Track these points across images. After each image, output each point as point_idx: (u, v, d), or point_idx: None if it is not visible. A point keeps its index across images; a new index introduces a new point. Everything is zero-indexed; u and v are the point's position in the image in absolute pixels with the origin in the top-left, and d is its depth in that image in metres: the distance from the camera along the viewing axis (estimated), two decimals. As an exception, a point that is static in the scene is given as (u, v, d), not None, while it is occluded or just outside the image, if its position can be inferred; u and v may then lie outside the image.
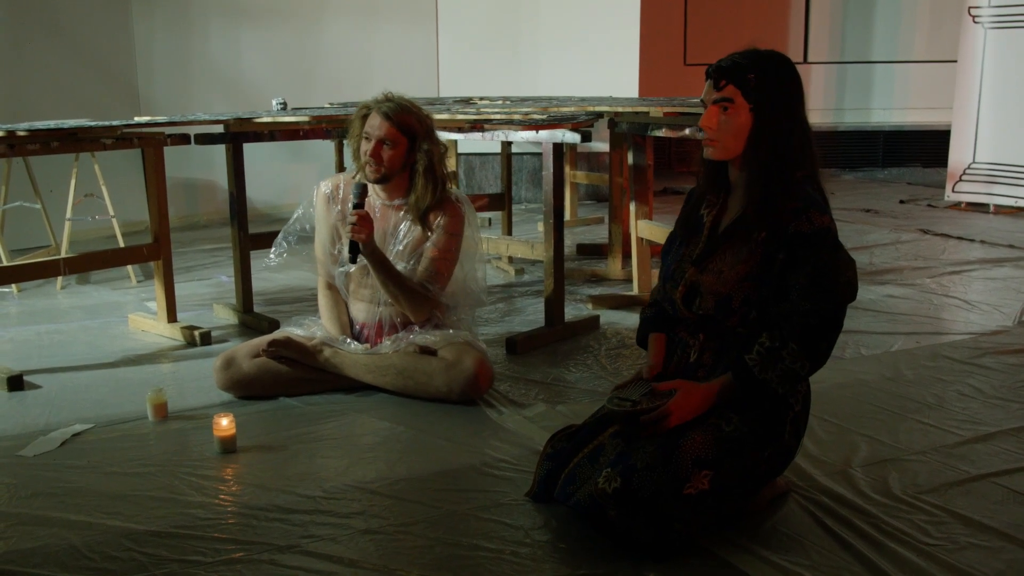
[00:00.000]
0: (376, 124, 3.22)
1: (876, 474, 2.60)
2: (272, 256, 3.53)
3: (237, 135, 4.23)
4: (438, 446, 2.89)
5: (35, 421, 3.18)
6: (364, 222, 3.13)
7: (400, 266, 3.28)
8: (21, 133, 3.69)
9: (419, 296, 3.26)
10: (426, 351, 3.25)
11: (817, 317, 2.20)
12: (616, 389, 2.41)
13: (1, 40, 6.41)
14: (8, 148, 3.69)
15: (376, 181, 3.27)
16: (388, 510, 2.47)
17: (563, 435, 2.48)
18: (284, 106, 5.00)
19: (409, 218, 3.31)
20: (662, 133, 4.05)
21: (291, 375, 3.29)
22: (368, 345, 3.33)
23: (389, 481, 2.63)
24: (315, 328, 3.41)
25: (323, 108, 5.51)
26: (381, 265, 3.22)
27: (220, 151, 4.44)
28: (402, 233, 3.33)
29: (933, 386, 3.32)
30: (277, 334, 3.38)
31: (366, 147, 3.23)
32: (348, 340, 3.35)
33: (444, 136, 4.36)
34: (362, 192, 3.19)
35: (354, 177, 3.34)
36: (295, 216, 3.52)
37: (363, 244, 3.14)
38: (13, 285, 5.00)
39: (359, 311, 3.42)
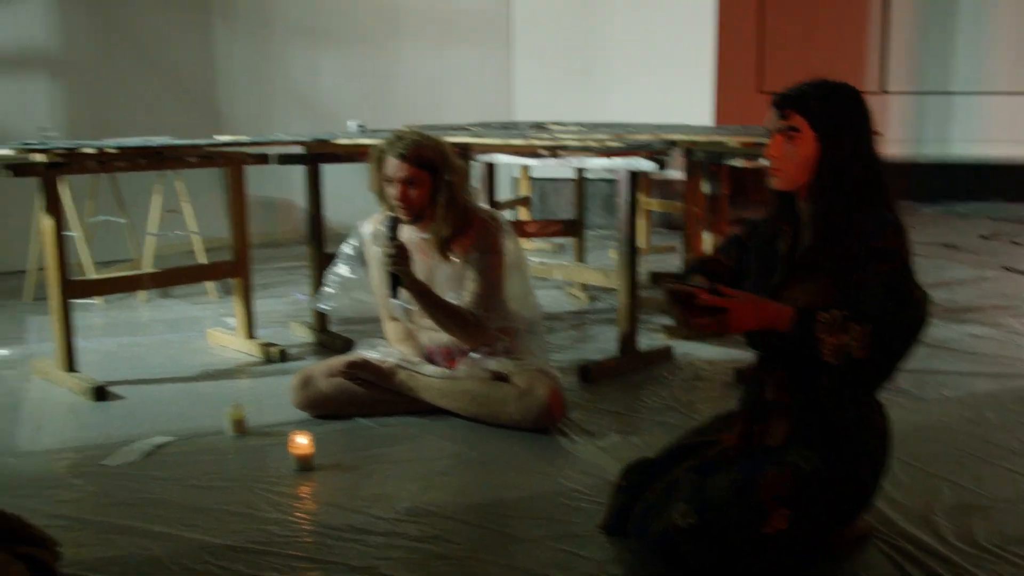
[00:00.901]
0: (395, 166, 3.21)
1: (960, 521, 2.53)
2: (324, 305, 3.55)
3: (316, 156, 4.31)
4: (511, 473, 2.89)
5: (118, 431, 3.26)
6: (400, 254, 3.15)
7: (449, 296, 3.28)
8: (110, 150, 3.80)
9: (468, 322, 3.26)
10: (500, 377, 3.26)
11: (893, 317, 2.13)
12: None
13: (91, 59, 6.62)
14: (98, 164, 3.81)
15: (410, 223, 3.28)
16: (461, 535, 2.47)
17: (637, 467, 2.47)
18: (362, 128, 5.08)
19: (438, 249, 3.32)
20: (738, 163, 4.03)
21: (367, 396, 3.33)
22: (443, 369, 3.35)
23: (462, 506, 2.64)
24: (390, 350, 3.44)
25: (411, 132, 5.57)
26: (424, 295, 3.23)
27: (297, 171, 4.53)
28: (445, 264, 3.34)
29: (1019, 430, 3.23)
30: (354, 355, 3.42)
31: (392, 191, 3.24)
32: (423, 363, 3.37)
33: (516, 161, 4.40)
34: (393, 225, 3.20)
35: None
36: (338, 259, 3.54)
37: (402, 277, 3.16)
38: (98, 297, 5.13)
39: (426, 338, 3.43)
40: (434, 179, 3.22)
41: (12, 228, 5.94)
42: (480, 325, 3.27)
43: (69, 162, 3.68)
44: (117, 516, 2.58)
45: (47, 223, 3.64)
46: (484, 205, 3.51)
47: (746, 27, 9.69)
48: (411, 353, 3.40)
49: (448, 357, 3.36)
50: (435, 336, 3.37)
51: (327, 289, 3.52)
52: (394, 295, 3.19)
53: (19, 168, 3.59)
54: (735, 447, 2.37)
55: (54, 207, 3.63)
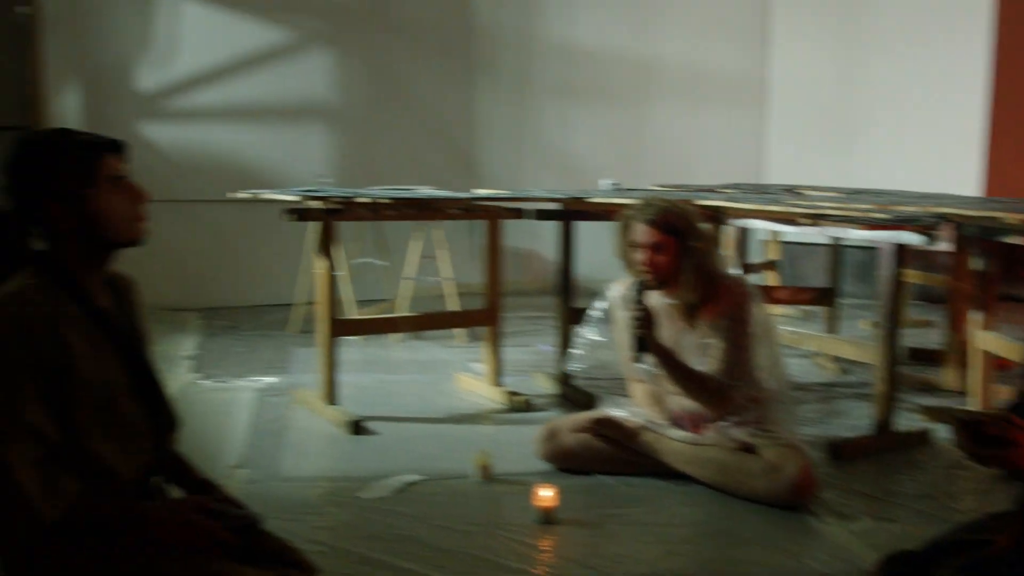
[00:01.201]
0: (642, 232, 3.21)
1: None
2: (572, 367, 3.59)
3: (571, 212, 4.40)
4: (755, 548, 2.80)
5: (371, 466, 3.43)
6: (646, 318, 3.14)
7: (696, 364, 3.23)
8: (383, 200, 4.04)
9: (714, 390, 3.20)
10: (747, 448, 3.18)
11: None
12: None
13: (362, 111, 7.10)
14: (370, 212, 4.05)
15: (656, 288, 3.26)
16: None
17: (899, 559, 2.33)
18: (616, 187, 5.15)
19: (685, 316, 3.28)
20: (1013, 240, 3.77)
21: (610, 454, 3.34)
22: (689, 434, 3.30)
23: (705, 577, 2.59)
24: (637, 409, 3.43)
25: (649, 190, 5.61)
26: (669, 361, 3.20)
27: (545, 224, 4.63)
28: (691, 332, 3.29)
29: None
30: (600, 412, 3.44)
31: (639, 257, 3.23)
32: (669, 427, 3.34)
33: (769, 226, 4.31)
34: (641, 288, 3.19)
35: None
36: (586, 321, 3.56)
37: (648, 340, 3.14)
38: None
39: (673, 403, 3.39)
40: (681, 245, 3.21)
41: (284, 265, 6.41)
42: (727, 393, 3.21)
43: (345, 209, 3.94)
44: (368, 548, 2.70)
45: (321, 265, 3.91)
46: (732, 271, 3.45)
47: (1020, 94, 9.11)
48: (657, 416, 3.38)
49: (694, 423, 3.31)
50: (682, 401, 3.33)
51: (575, 351, 3.56)
52: (639, 359, 3.20)
53: (301, 213, 3.88)
54: (1010, 551, 2.20)
55: (329, 250, 3.90)
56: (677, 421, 3.36)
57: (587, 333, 3.52)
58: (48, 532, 1.92)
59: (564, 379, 4.43)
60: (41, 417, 1.91)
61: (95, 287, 2.08)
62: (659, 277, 3.22)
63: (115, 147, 2.02)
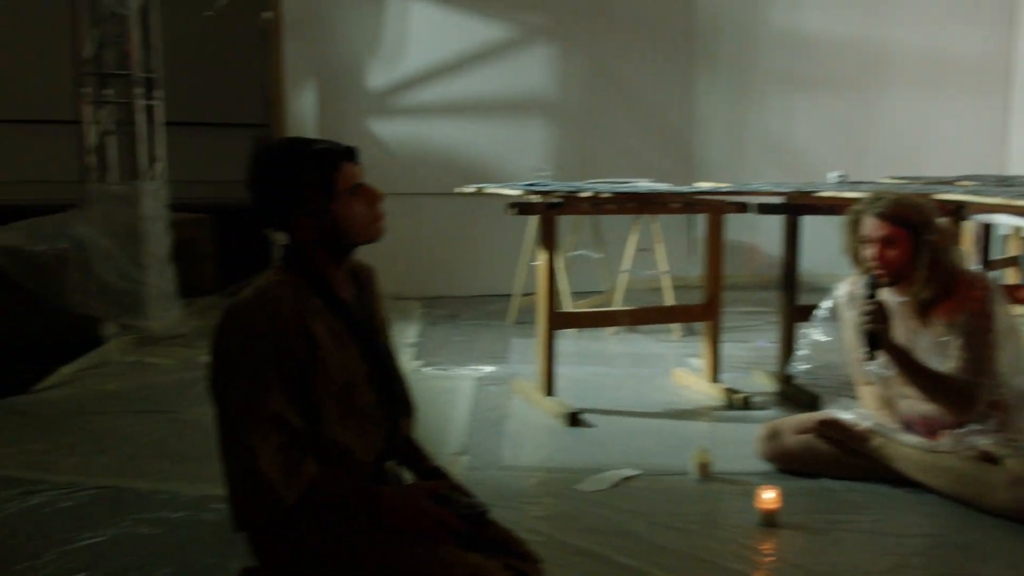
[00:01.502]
0: (872, 226, 3.05)
1: None
2: (796, 369, 3.45)
3: (796, 207, 4.26)
4: (995, 565, 2.64)
5: (588, 458, 3.45)
6: (878, 313, 2.98)
7: (932, 364, 3.05)
8: (604, 195, 4.05)
9: (956, 392, 3.01)
10: (988, 457, 2.98)
11: None
12: None
13: (581, 105, 7.14)
14: (590, 206, 4.07)
15: (889, 285, 3.09)
16: (938, 625, 2.30)
17: None
18: (843, 179, 4.94)
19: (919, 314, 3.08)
20: None
21: (835, 457, 3.22)
22: (923, 440, 3.13)
23: (939, 593, 2.45)
24: (865, 412, 3.28)
25: (880, 183, 5.35)
26: (903, 359, 3.03)
27: (765, 217, 4.50)
28: (925, 330, 3.10)
29: None
30: (825, 414, 3.32)
31: (869, 252, 3.07)
32: (900, 431, 3.18)
33: (1015, 221, 4.01)
34: (874, 283, 3.03)
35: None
36: (812, 322, 3.43)
37: (880, 337, 2.98)
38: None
39: (905, 406, 3.22)
40: (915, 239, 3.04)
41: (503, 256, 6.55)
42: (970, 395, 3.01)
43: (565, 203, 3.98)
44: (587, 541, 2.72)
45: (542, 257, 3.97)
46: (972, 267, 3.23)
47: None
48: (888, 420, 3.23)
49: (929, 429, 3.14)
50: (915, 404, 3.17)
51: (800, 351, 3.44)
52: (871, 358, 3.05)
53: (522, 207, 3.95)
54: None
55: (550, 243, 3.95)
56: (909, 426, 3.19)
57: (813, 333, 3.39)
58: (288, 513, 2.05)
59: (786, 378, 4.30)
60: (284, 406, 2.04)
61: (337, 280, 2.21)
62: (891, 273, 3.07)
63: (349, 155, 2.13)
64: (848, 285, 3.32)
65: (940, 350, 3.06)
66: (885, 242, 3.05)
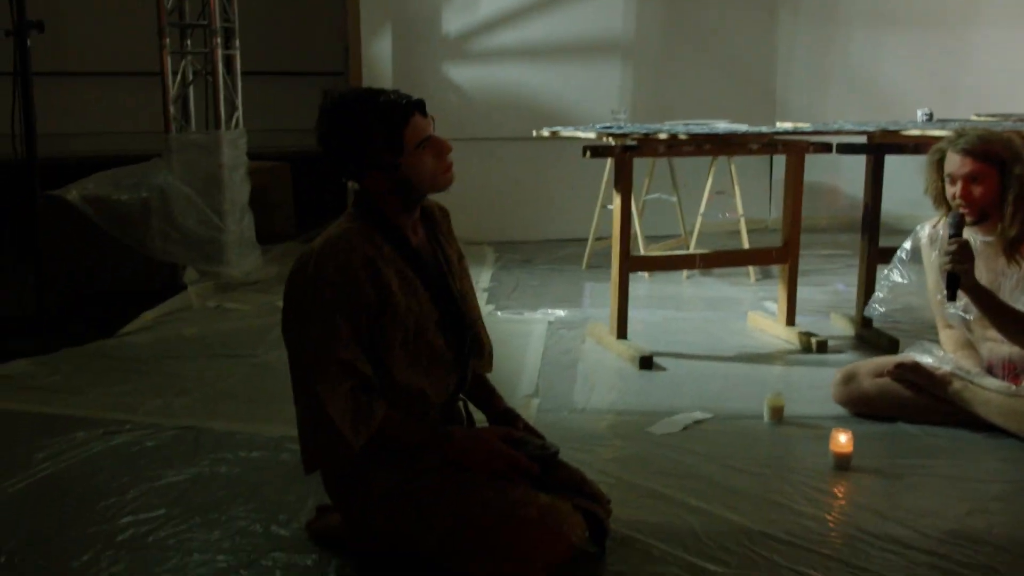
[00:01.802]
0: (957, 162, 2.94)
1: None
2: (874, 311, 3.36)
3: (880, 146, 4.13)
4: (1080, 512, 2.56)
5: (660, 402, 3.44)
6: (962, 252, 2.87)
7: (1019, 305, 2.94)
8: (681, 136, 3.98)
9: None
10: (1074, 402, 2.88)
11: None
12: None
13: (657, 46, 7.01)
14: (667, 148, 4.01)
15: (974, 223, 2.97)
16: (1012, 568, 2.24)
17: None
18: (930, 117, 4.77)
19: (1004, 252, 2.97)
20: None
21: (913, 401, 3.14)
22: (1006, 384, 3.04)
23: (1018, 539, 2.39)
24: (945, 355, 3.20)
25: (969, 120, 5.16)
26: (986, 300, 2.92)
27: (846, 158, 4.37)
28: (1013, 269, 2.99)
29: None
30: (905, 357, 3.24)
31: (953, 191, 2.96)
32: (982, 375, 3.09)
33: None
34: (958, 222, 2.92)
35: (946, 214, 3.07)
36: (893, 264, 3.33)
37: (963, 278, 2.88)
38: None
39: (986, 350, 3.13)
40: (1001, 175, 2.93)
41: (577, 200, 6.51)
42: None
43: (641, 146, 3.92)
44: (658, 483, 2.71)
45: (617, 201, 3.93)
46: None
47: None
48: (969, 363, 3.14)
49: (1012, 373, 3.04)
50: (997, 348, 3.08)
51: (878, 294, 3.35)
52: (952, 297, 2.95)
53: (596, 149, 3.91)
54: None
55: (625, 186, 3.91)
56: (991, 370, 3.10)
57: (892, 274, 3.30)
58: (357, 457, 2.08)
59: (864, 321, 4.21)
60: (354, 353, 2.06)
61: (408, 227, 2.22)
62: (976, 211, 2.96)
63: (418, 107, 2.12)
64: (931, 226, 3.22)
65: None
66: (970, 179, 2.95)
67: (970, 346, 3.18)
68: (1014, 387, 3.00)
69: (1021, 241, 2.97)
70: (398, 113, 2.08)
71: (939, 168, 3.05)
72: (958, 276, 2.89)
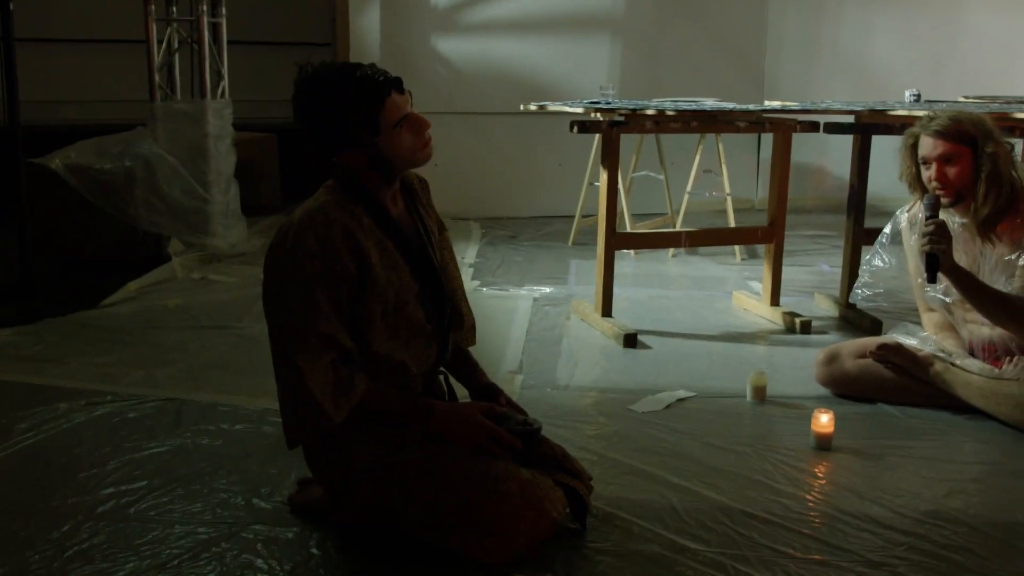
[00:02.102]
0: (930, 145, 2.95)
1: None
2: (856, 297, 3.38)
3: (867, 126, 4.13)
4: (1057, 494, 2.58)
5: (643, 379, 3.45)
6: (939, 232, 2.88)
7: (999, 286, 2.95)
8: (669, 112, 3.97)
9: (1020, 311, 2.91)
10: (1053, 386, 2.90)
11: None
12: None
13: (647, 21, 6.97)
14: (654, 124, 4.00)
15: (950, 205, 2.99)
16: (989, 550, 2.26)
17: None
18: (918, 98, 4.77)
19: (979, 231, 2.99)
20: None
21: (894, 382, 3.16)
22: (987, 366, 3.06)
23: (992, 520, 2.41)
24: (928, 336, 3.22)
25: (957, 102, 5.16)
26: (965, 280, 2.93)
27: (834, 138, 4.37)
28: (989, 250, 3.00)
29: None
30: (887, 338, 3.26)
31: (928, 174, 2.97)
32: (964, 356, 3.11)
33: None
34: (934, 203, 2.94)
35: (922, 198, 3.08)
36: (874, 249, 3.35)
37: (942, 258, 2.89)
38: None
39: (969, 332, 3.14)
40: (974, 154, 2.94)
41: (565, 177, 6.50)
42: None
43: (628, 121, 3.91)
44: (640, 460, 2.72)
45: (604, 177, 3.92)
46: None
47: None
48: (951, 345, 3.16)
49: (992, 355, 3.06)
50: (978, 330, 3.09)
51: (861, 279, 3.37)
52: (932, 279, 2.96)
53: (583, 124, 3.90)
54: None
55: (612, 163, 3.90)
56: (972, 352, 3.12)
57: (874, 260, 3.31)
58: (338, 430, 2.08)
59: (847, 302, 4.23)
60: (334, 325, 2.05)
61: (388, 198, 2.21)
62: (952, 191, 2.97)
63: (395, 85, 2.10)
64: (909, 209, 3.23)
65: (1006, 269, 2.97)
66: (944, 160, 2.96)
67: (951, 328, 3.20)
68: (996, 369, 3.02)
69: (996, 221, 2.98)
70: (374, 92, 2.06)
71: (913, 153, 3.06)
72: (937, 257, 2.90)
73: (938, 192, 2.98)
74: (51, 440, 2.84)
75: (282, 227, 2.11)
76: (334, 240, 2.06)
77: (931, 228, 2.91)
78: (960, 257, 3.00)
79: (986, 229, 2.99)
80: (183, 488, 2.52)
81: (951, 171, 2.95)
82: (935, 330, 3.22)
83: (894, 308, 3.94)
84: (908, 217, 3.22)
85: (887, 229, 3.30)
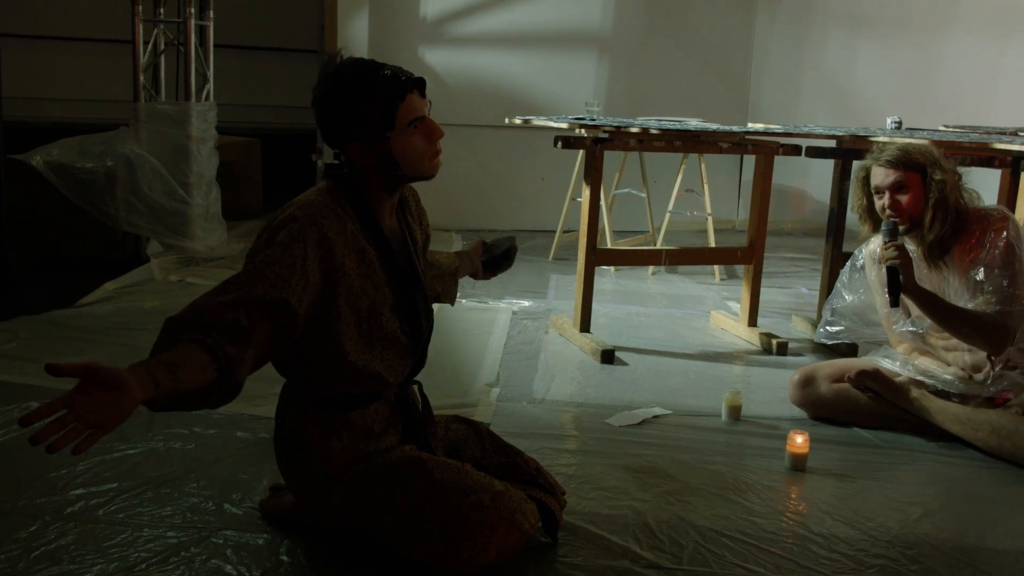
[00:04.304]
0: (882, 175, 3.04)
1: None
2: (822, 331, 3.42)
3: (848, 152, 4.17)
4: (1027, 522, 2.60)
5: (620, 396, 3.45)
6: (900, 251, 2.95)
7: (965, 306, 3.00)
8: (653, 131, 3.99)
9: (989, 326, 2.94)
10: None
11: None
12: None
13: (634, 39, 7.01)
14: (638, 143, 4.01)
15: (905, 232, 3.05)
16: (956, 573, 2.27)
17: None
18: (899, 125, 4.81)
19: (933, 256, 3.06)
20: None
21: (869, 407, 3.18)
22: (964, 375, 3.08)
23: (963, 547, 2.42)
24: (907, 360, 3.24)
25: (937, 131, 5.22)
26: (928, 300, 2.98)
27: (815, 162, 4.41)
28: (949, 275, 3.05)
29: None
30: (864, 362, 3.28)
31: (882, 203, 3.05)
32: (943, 372, 3.13)
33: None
34: (892, 228, 3.01)
35: (878, 235, 3.16)
36: (835, 289, 3.41)
37: (903, 278, 2.94)
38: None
39: (952, 359, 3.17)
40: (924, 182, 3.02)
41: (547, 191, 6.52)
42: (1004, 327, 2.93)
43: (613, 138, 3.92)
44: (613, 476, 2.72)
45: (586, 193, 3.93)
46: (987, 205, 3.16)
47: None
48: (926, 362, 3.19)
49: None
50: (960, 358, 3.12)
51: (824, 318, 3.42)
52: (895, 302, 3.01)
53: (568, 140, 3.91)
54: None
55: (595, 179, 3.91)
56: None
57: (835, 299, 3.38)
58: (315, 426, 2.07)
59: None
60: (299, 300, 1.93)
61: (384, 209, 2.19)
62: (905, 218, 3.04)
63: (418, 86, 2.10)
64: (872, 244, 3.28)
65: (968, 290, 3.01)
66: (896, 188, 3.04)
67: (923, 354, 3.22)
68: (966, 380, 3.06)
69: (946, 247, 3.04)
70: (398, 86, 2.06)
71: (865, 185, 3.15)
72: (898, 276, 2.95)
73: (893, 220, 3.04)
74: (21, 439, 2.80)
75: (279, 212, 2.07)
76: (323, 231, 2.01)
77: (891, 251, 2.97)
78: (925, 285, 3.04)
79: (936, 255, 3.05)
80: (153, 491, 2.49)
81: (903, 198, 3.03)
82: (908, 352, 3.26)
83: (869, 329, 3.97)
84: (867, 252, 3.28)
85: (846, 268, 3.37)
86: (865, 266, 3.30)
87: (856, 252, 3.36)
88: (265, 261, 1.93)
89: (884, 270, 3.02)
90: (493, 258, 2.70)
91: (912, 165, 3.03)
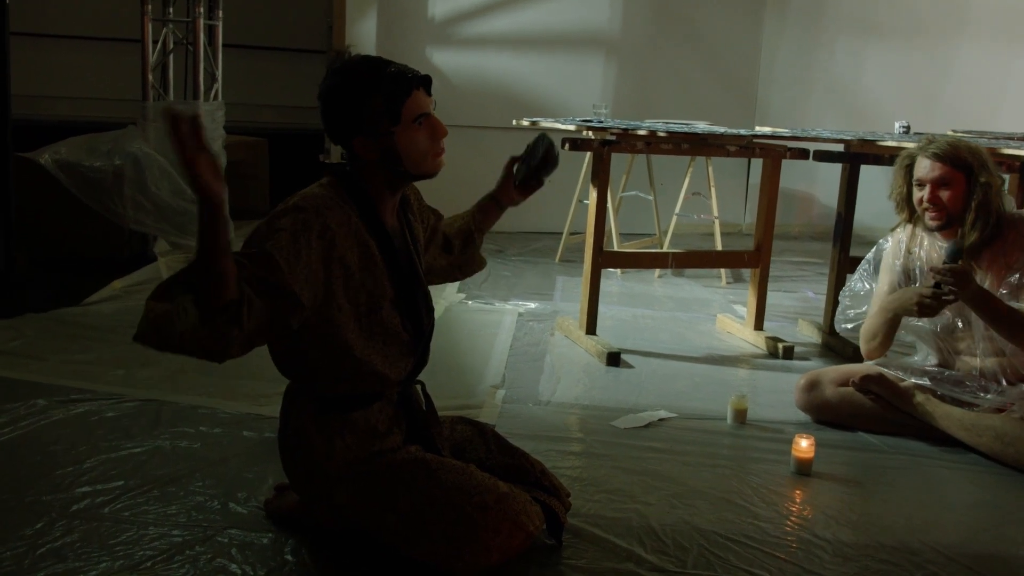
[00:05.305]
0: (927, 167, 3.01)
1: None
2: (840, 318, 3.40)
3: (856, 156, 4.16)
4: (1032, 528, 2.59)
5: (625, 398, 3.45)
6: (959, 277, 2.88)
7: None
8: (660, 134, 3.99)
9: None
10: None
11: None
12: None
13: (642, 42, 7.01)
14: (645, 145, 4.01)
15: (938, 228, 3.04)
16: (965, 584, 2.27)
17: None
18: (907, 130, 4.81)
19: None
20: None
21: (874, 412, 3.18)
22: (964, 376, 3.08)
23: (968, 553, 2.41)
24: (913, 363, 3.23)
25: (944, 135, 5.20)
26: (980, 302, 2.93)
27: (822, 166, 4.40)
28: (979, 276, 3.03)
29: None
30: (869, 367, 3.27)
31: (921, 195, 3.02)
32: (943, 373, 3.13)
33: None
34: (955, 252, 2.94)
35: (909, 225, 3.16)
36: (854, 278, 3.39)
37: (961, 290, 2.89)
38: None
39: (962, 364, 3.16)
40: (968, 181, 2.99)
41: (554, 193, 6.49)
42: None
43: (620, 141, 3.93)
44: (618, 479, 2.72)
45: (593, 195, 3.94)
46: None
47: None
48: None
49: (980, 385, 3.08)
50: (970, 361, 3.11)
51: (842, 303, 3.40)
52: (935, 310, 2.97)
53: (575, 142, 3.91)
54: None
55: (602, 181, 3.91)
56: (959, 382, 3.13)
57: (856, 283, 3.35)
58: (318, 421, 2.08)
59: (831, 329, 4.25)
60: (301, 288, 1.93)
61: (386, 206, 2.19)
62: (941, 215, 3.02)
63: (424, 83, 2.10)
64: (895, 236, 3.26)
65: (1009, 294, 2.98)
66: (939, 183, 3.01)
67: (944, 356, 3.19)
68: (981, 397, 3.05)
69: (980, 250, 3.03)
70: (404, 82, 2.07)
71: (907, 173, 3.11)
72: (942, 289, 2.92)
73: (928, 214, 3.03)
74: (27, 436, 2.81)
75: (283, 203, 2.08)
76: (326, 223, 2.02)
77: (949, 278, 2.89)
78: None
79: (970, 257, 3.03)
80: (159, 490, 2.50)
81: (944, 194, 3.00)
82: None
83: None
84: (892, 241, 3.26)
85: (870, 256, 3.34)
86: (886, 253, 3.27)
87: (880, 242, 3.34)
88: (273, 247, 1.93)
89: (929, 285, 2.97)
90: (533, 168, 2.62)
91: (959, 163, 3.00)
